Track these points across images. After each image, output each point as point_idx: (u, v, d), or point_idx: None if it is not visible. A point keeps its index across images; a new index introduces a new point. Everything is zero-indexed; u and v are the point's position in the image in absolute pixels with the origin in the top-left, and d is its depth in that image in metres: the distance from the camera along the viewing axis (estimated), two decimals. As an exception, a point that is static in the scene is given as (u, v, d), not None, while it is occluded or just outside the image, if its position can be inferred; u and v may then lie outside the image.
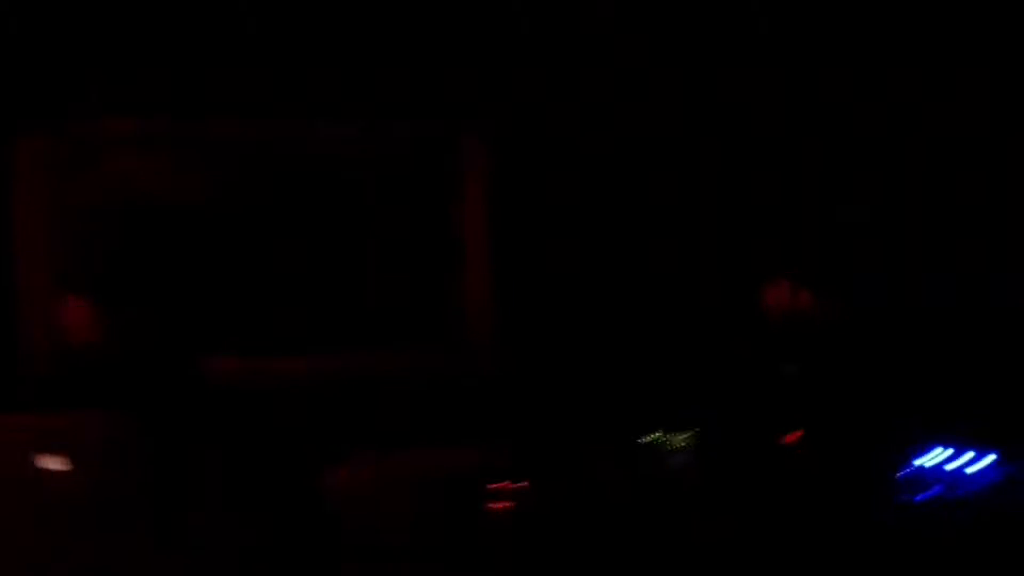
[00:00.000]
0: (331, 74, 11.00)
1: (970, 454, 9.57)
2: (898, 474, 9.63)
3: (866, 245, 11.33)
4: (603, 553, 9.68)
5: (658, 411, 10.32)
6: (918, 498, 9.59)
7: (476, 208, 11.42)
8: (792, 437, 9.99)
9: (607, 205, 11.43)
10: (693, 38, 11.47)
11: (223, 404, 10.19)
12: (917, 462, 9.66)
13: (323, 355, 11.07)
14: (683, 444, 10.08)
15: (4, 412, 9.62)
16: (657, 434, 10.13)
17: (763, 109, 11.50)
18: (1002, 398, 9.98)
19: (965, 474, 9.54)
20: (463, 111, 11.25)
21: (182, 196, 11.02)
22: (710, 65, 11.38)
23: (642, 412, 10.36)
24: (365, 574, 9.78)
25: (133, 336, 10.21)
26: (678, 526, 9.71)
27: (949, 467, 9.57)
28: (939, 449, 9.64)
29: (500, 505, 9.99)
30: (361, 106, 11.04)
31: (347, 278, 11.34)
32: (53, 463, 9.39)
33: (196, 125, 10.94)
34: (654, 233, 11.47)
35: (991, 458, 9.52)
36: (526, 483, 9.94)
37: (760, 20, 11.28)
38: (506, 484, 9.97)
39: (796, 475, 9.80)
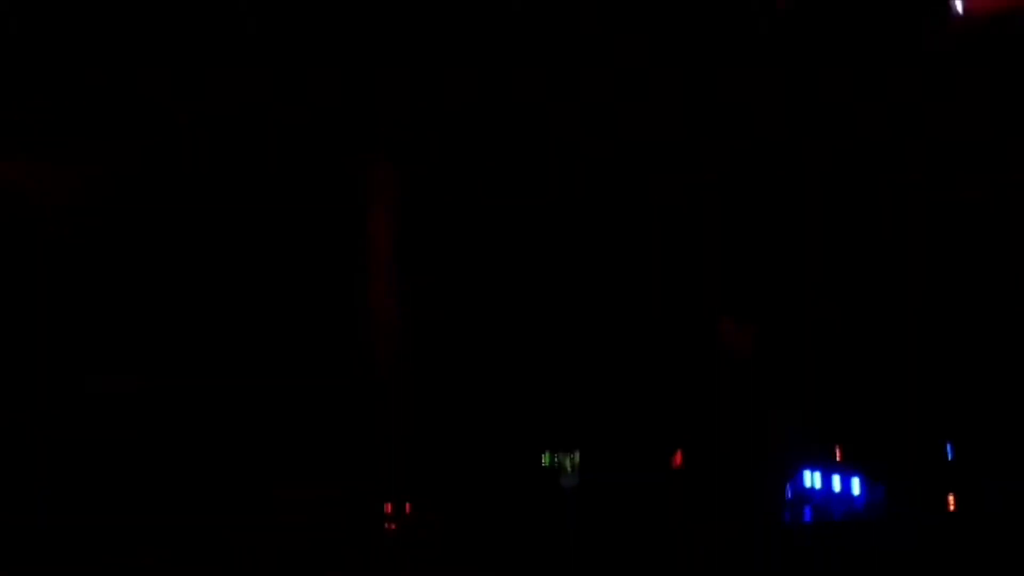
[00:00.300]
0: (227, 82, 10.97)
1: (837, 477, 10.48)
2: (785, 496, 10.52)
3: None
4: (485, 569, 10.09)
5: (550, 433, 10.73)
6: (802, 518, 10.47)
7: (383, 234, 11.37)
8: (677, 459, 10.64)
9: (514, 235, 11.35)
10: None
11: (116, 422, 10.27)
12: (793, 485, 10.53)
13: (218, 377, 10.86)
14: (572, 465, 10.53)
15: None
16: (548, 455, 10.61)
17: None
18: (867, 424, 10.72)
19: (837, 496, 10.43)
20: (372, 137, 11.28)
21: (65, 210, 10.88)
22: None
23: (536, 434, 10.73)
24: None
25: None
26: (565, 542, 10.19)
27: (827, 487, 10.52)
28: (810, 473, 10.56)
29: (390, 526, 10.35)
30: (266, 122, 10.98)
31: (247, 300, 11.17)
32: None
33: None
34: (553, 259, 11.40)
35: (858, 483, 10.39)
36: (408, 507, 10.38)
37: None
38: (392, 507, 10.41)
39: (681, 494, 10.46)
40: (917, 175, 11.54)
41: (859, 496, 10.46)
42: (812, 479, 10.67)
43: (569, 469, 10.57)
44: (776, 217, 11.66)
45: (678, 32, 11.53)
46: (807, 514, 10.58)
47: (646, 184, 11.59)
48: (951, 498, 10.35)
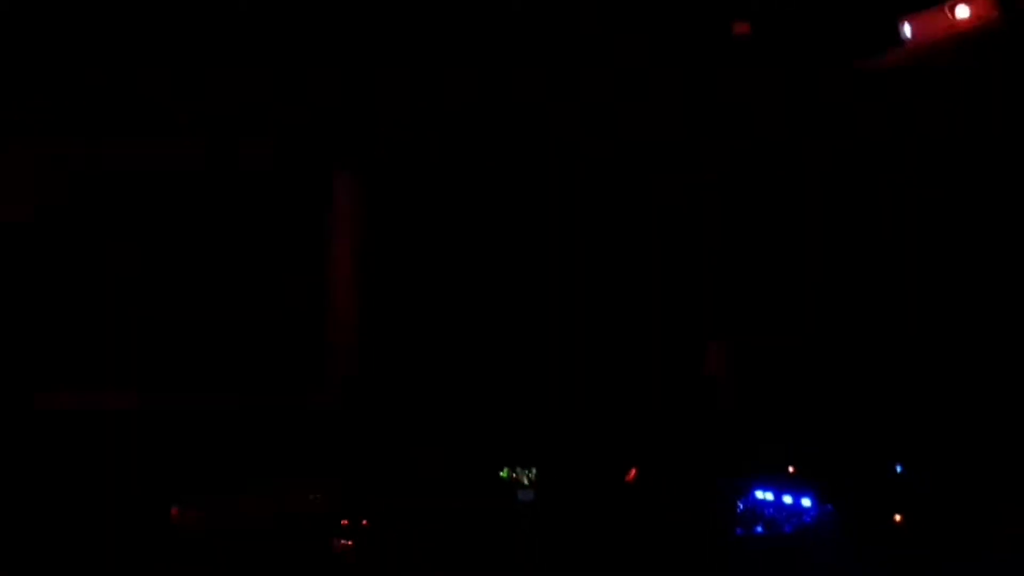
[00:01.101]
0: (188, 91, 10.94)
1: (788, 497, 10.82)
2: (735, 510, 10.75)
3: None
4: None
5: (509, 448, 10.78)
6: (752, 532, 10.76)
7: (345, 244, 11.28)
8: (630, 475, 10.73)
9: (475, 246, 11.33)
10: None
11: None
12: (744, 501, 10.79)
13: (171, 391, 10.75)
14: (528, 480, 10.66)
15: None
16: (505, 470, 10.74)
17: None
18: (820, 443, 10.95)
19: (787, 512, 10.78)
20: (335, 146, 11.19)
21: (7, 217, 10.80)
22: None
23: (494, 449, 10.80)
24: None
25: None
26: (521, 557, 10.29)
27: (776, 504, 10.81)
28: (760, 491, 10.87)
29: (344, 543, 10.35)
30: (222, 130, 10.98)
31: (208, 312, 11.01)
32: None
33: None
34: (513, 275, 11.39)
35: (808, 501, 10.73)
36: (365, 522, 10.39)
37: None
38: (348, 522, 10.40)
39: (635, 509, 10.59)
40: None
41: (808, 512, 10.75)
42: (764, 495, 10.94)
43: (526, 483, 10.74)
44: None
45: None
46: (758, 529, 10.84)
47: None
48: (898, 517, 10.58)
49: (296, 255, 11.24)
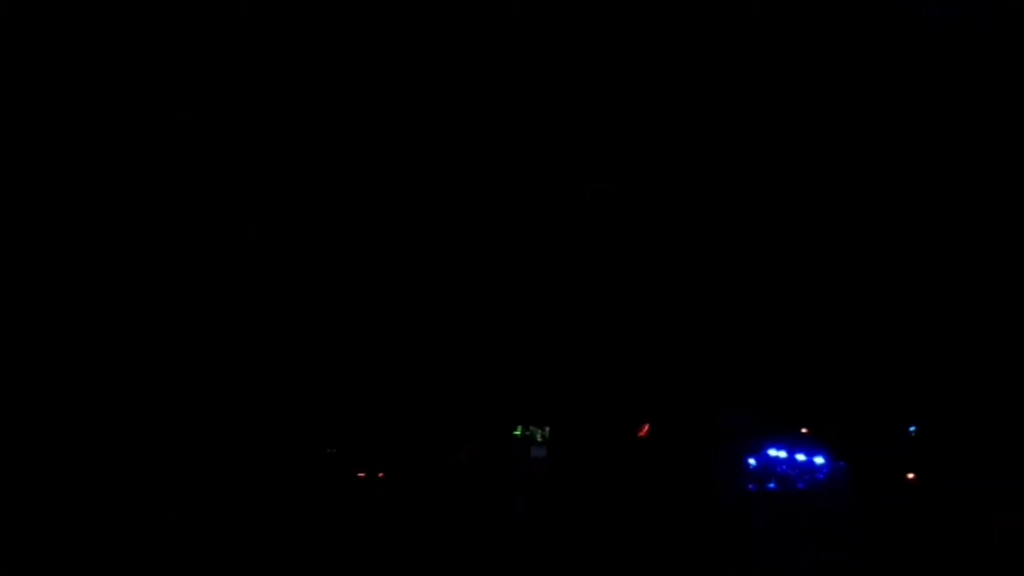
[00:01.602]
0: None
1: (802, 455, 11.16)
2: (745, 465, 11.13)
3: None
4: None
5: (521, 407, 11.10)
6: (764, 488, 11.07)
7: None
8: (643, 431, 11.06)
9: None
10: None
11: None
12: (756, 458, 11.18)
13: None
14: (542, 437, 10.99)
15: None
16: (520, 428, 11.07)
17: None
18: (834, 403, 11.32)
19: (800, 469, 11.12)
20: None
21: None
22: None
23: (506, 408, 11.18)
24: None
25: None
26: (537, 510, 10.77)
27: (790, 461, 11.18)
28: (774, 449, 11.18)
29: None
30: None
31: None
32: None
33: None
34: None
35: (821, 459, 11.10)
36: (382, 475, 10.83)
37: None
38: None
39: (647, 463, 11.00)
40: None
41: (821, 469, 11.11)
42: (777, 453, 11.26)
43: (540, 440, 11.10)
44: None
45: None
46: (771, 485, 11.16)
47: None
48: (910, 476, 10.90)
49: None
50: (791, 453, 11.21)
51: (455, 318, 11.54)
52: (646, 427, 11.00)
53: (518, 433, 11.08)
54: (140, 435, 10.88)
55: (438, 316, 11.53)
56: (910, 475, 10.80)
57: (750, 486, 11.13)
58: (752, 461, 11.19)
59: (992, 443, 10.92)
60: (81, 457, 10.73)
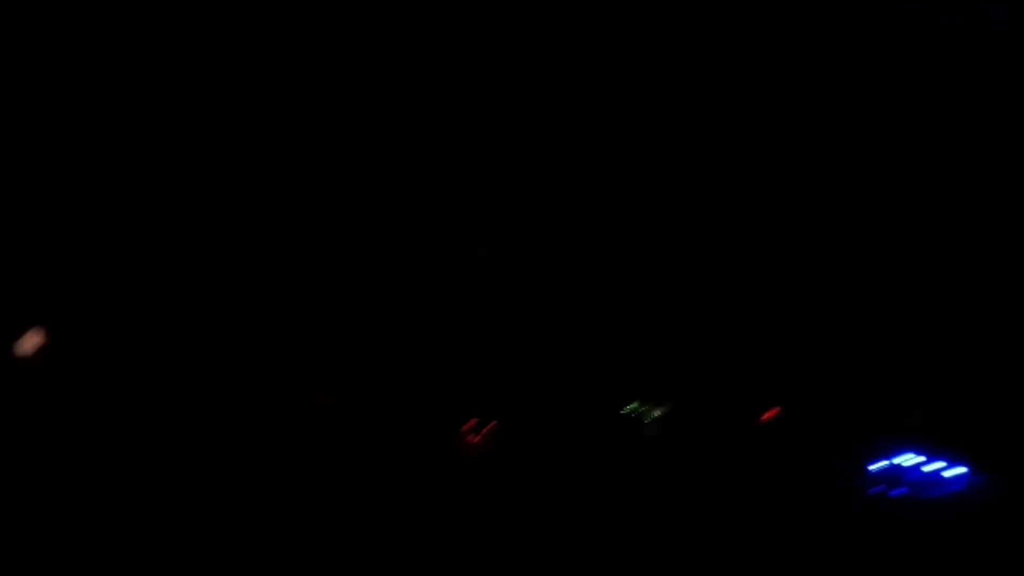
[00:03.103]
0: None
1: (942, 463, 10.70)
2: (872, 467, 10.74)
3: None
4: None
5: (635, 384, 10.98)
6: (891, 492, 10.64)
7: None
8: (769, 415, 10.89)
9: None
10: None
11: None
12: (892, 461, 10.76)
13: None
14: (657, 416, 10.75)
15: None
16: (634, 404, 10.90)
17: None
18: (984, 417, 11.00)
19: (937, 479, 10.67)
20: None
21: None
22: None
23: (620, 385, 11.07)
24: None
25: None
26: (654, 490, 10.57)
27: (924, 469, 10.72)
28: (911, 454, 10.74)
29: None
30: None
31: None
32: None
33: None
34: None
35: (962, 469, 10.64)
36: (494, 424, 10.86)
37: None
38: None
39: (771, 451, 10.76)
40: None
41: (960, 479, 10.69)
42: (910, 460, 10.89)
43: (654, 419, 10.84)
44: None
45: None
46: (901, 491, 10.78)
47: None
48: None
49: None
50: (926, 462, 10.85)
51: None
52: (774, 410, 10.78)
53: (630, 410, 10.75)
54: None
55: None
56: None
57: (872, 490, 10.80)
58: (877, 466, 10.88)
59: None
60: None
